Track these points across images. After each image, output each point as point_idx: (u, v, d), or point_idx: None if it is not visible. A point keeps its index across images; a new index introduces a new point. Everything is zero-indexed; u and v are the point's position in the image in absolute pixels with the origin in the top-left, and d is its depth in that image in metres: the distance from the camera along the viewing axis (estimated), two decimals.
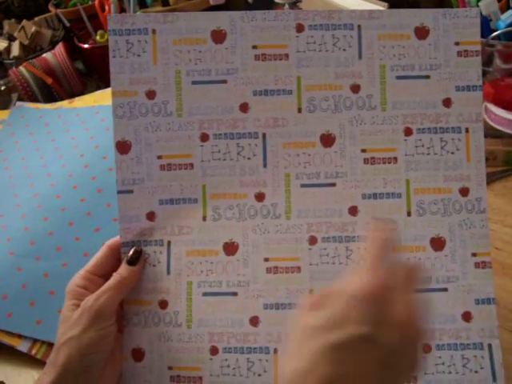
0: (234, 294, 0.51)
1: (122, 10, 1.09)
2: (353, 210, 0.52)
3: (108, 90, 0.95)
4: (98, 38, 1.07)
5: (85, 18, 1.07)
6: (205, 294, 0.51)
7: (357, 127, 0.52)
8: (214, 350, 0.51)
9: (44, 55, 1.03)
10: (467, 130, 0.52)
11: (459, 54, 0.52)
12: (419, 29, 0.52)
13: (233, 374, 0.50)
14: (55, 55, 1.02)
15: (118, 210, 0.52)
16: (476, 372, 0.49)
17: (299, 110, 0.52)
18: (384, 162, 0.52)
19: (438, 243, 0.51)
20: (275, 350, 0.51)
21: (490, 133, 0.79)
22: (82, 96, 0.98)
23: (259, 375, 0.50)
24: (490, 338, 0.50)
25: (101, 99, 0.93)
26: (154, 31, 0.52)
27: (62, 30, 1.12)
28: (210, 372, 0.50)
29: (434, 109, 0.52)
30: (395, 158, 0.52)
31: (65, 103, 0.96)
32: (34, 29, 1.07)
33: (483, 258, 0.51)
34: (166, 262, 0.52)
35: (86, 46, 1.05)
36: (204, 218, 0.52)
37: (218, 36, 0.53)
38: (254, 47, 0.52)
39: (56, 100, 1.00)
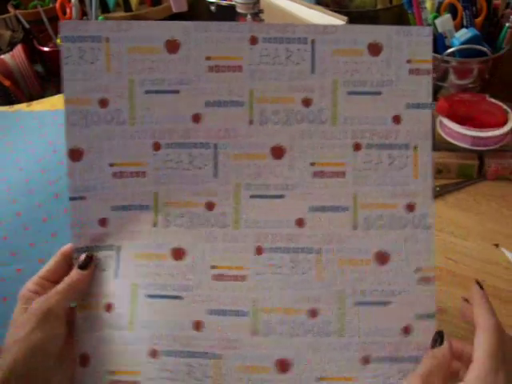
0: (179, 297, 0.52)
1: (84, 13, 1.08)
2: (300, 222, 0.52)
3: None
4: (58, 41, 1.05)
5: (45, 21, 1.05)
6: (149, 297, 0.51)
7: (307, 141, 0.53)
8: (154, 353, 0.51)
9: (2, 56, 1.01)
10: (415, 148, 0.53)
11: (411, 71, 0.52)
12: (372, 45, 0.52)
13: (171, 379, 0.50)
14: (14, 57, 1.01)
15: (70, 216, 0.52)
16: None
17: (251, 122, 0.53)
18: (332, 176, 0.53)
19: (382, 257, 0.52)
20: (217, 356, 0.51)
21: (444, 146, 0.81)
22: (41, 100, 0.96)
23: (199, 380, 0.50)
24: (427, 351, 0.50)
25: (59, 103, 0.92)
26: (107, 39, 0.52)
27: (21, 32, 1.10)
28: (148, 375, 0.50)
29: (383, 125, 0.53)
30: (343, 173, 0.53)
31: (23, 106, 0.94)
32: None
33: (427, 274, 0.52)
34: (115, 266, 0.52)
35: (45, 48, 1.03)
36: (155, 225, 0.52)
37: (172, 46, 0.52)
38: (208, 58, 0.52)
39: (14, 103, 0.98)
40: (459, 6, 0.83)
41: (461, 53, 0.82)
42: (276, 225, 0.53)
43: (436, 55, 0.83)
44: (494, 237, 0.72)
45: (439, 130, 0.81)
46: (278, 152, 0.53)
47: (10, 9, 1.14)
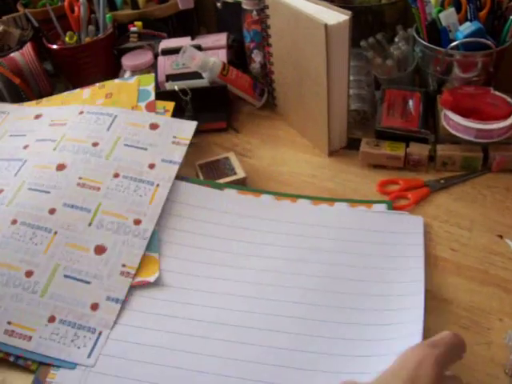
0: None
1: (92, 11, 1.09)
2: (51, 211, 0.73)
3: (75, 92, 0.95)
4: (67, 39, 1.07)
5: (54, 19, 1.06)
6: None
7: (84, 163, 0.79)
8: None
9: (12, 55, 1.02)
10: (158, 185, 0.77)
11: (173, 142, 0.83)
12: (152, 124, 0.85)
13: None
14: (23, 55, 1.02)
15: None
16: (79, 348, 0.62)
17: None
18: (90, 189, 0.75)
19: (100, 250, 0.70)
20: None
21: (449, 139, 0.81)
22: (50, 97, 0.97)
23: None
24: (105, 327, 0.64)
25: (68, 101, 0.93)
26: None
27: (30, 30, 1.11)
28: None
29: (140, 168, 0.78)
30: (99, 188, 0.75)
31: (32, 104, 0.96)
32: (1, 28, 1.06)
33: (128, 270, 0.69)
34: None
35: (54, 46, 1.05)
36: None
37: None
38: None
39: (23, 100, 1.00)
40: (463, 0, 0.83)
41: (465, 46, 0.82)
42: (34, 210, 0.72)
43: (440, 49, 0.84)
44: (499, 228, 0.72)
45: (443, 123, 0.81)
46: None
47: (20, 8, 1.16)
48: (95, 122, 0.84)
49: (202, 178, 0.82)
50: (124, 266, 0.69)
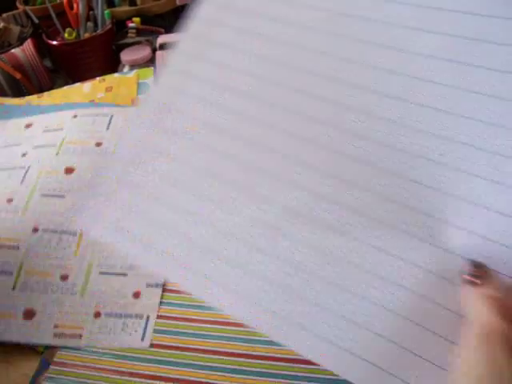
0: None
1: (90, 8, 1.11)
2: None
3: (76, 85, 0.97)
4: (66, 35, 1.09)
5: (53, 16, 1.08)
6: None
7: None
8: None
9: (13, 51, 1.04)
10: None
11: None
12: None
13: None
14: (24, 51, 1.04)
15: None
16: (130, 334, 0.63)
17: None
18: None
19: None
20: None
21: None
22: (51, 91, 0.99)
23: None
24: (151, 311, 0.65)
25: (69, 95, 0.95)
26: None
27: (30, 27, 1.13)
28: None
29: None
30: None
31: (34, 97, 0.98)
32: (1, 25, 1.08)
33: None
34: None
35: (54, 42, 1.07)
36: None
37: None
38: None
39: (25, 95, 1.02)
40: None
41: None
42: (54, 215, 0.72)
43: None
44: None
45: None
46: None
47: (19, 5, 1.18)
48: (92, 124, 0.85)
49: None
50: None
